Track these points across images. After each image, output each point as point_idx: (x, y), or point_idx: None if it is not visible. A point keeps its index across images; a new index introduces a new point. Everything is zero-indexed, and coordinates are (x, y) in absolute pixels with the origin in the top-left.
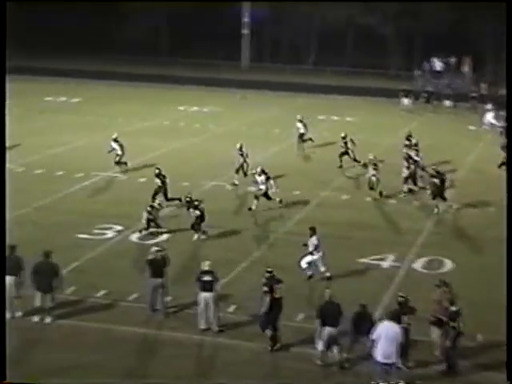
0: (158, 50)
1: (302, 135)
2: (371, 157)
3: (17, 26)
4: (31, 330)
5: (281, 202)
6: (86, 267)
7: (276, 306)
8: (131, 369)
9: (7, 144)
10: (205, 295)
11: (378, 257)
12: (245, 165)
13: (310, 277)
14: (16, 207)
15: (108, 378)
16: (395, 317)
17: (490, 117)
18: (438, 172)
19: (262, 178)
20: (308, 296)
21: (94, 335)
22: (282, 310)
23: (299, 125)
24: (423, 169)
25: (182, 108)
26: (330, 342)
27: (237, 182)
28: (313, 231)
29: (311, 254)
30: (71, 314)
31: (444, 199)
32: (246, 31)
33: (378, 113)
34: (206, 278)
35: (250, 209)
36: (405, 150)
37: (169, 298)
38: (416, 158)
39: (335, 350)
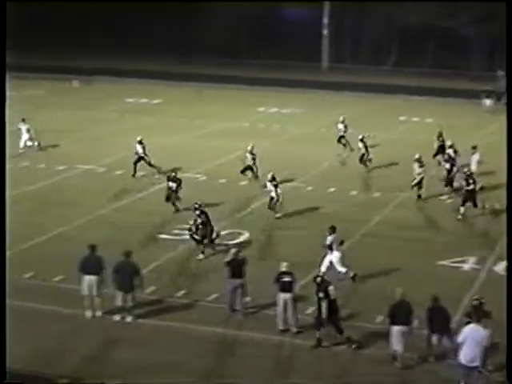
0: (237, 51)
1: (341, 137)
2: (417, 156)
3: (98, 28)
4: (112, 328)
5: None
6: (166, 267)
7: (333, 308)
8: (210, 369)
9: (91, 145)
10: (284, 296)
11: (459, 259)
12: (254, 167)
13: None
14: (96, 207)
15: (187, 377)
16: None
17: None
18: (469, 175)
19: (270, 185)
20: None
21: (174, 335)
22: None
23: (340, 126)
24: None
25: (261, 109)
26: (399, 341)
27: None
28: (332, 230)
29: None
30: (151, 314)
31: (475, 205)
32: (325, 32)
33: (459, 114)
34: (286, 278)
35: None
36: (448, 151)
37: (248, 299)
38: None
39: (401, 348)
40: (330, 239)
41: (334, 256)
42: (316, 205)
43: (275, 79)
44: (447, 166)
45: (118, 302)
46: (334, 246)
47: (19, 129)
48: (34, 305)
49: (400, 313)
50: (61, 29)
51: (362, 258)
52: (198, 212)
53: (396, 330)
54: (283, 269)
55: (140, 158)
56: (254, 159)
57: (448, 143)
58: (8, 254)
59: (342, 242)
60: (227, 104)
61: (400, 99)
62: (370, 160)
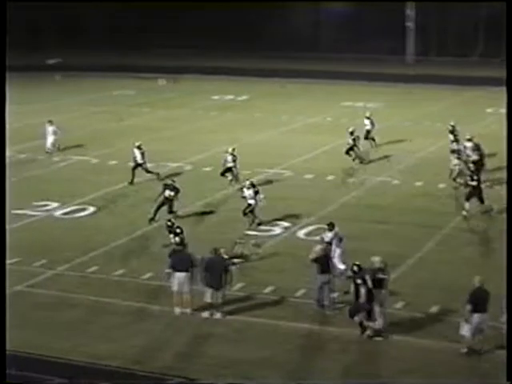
0: (319, 45)
1: (368, 132)
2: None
3: (185, 27)
4: (201, 325)
5: (259, 224)
6: (254, 264)
7: (370, 296)
8: (298, 364)
9: (178, 142)
10: (376, 292)
11: None
12: (234, 169)
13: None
14: (185, 205)
15: (275, 373)
16: None
17: None
18: (473, 171)
19: (251, 191)
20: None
21: (262, 331)
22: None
23: (366, 121)
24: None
25: (345, 104)
26: (478, 329)
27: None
28: (331, 227)
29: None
30: (240, 310)
31: (481, 201)
32: (410, 24)
33: None
34: (381, 275)
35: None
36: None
37: (335, 294)
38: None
39: (480, 336)
40: (329, 236)
41: (336, 253)
42: (404, 198)
43: (360, 73)
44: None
45: (208, 299)
46: (334, 243)
47: (47, 131)
48: (123, 302)
49: (481, 299)
50: (147, 29)
51: (451, 251)
52: (171, 233)
53: (477, 316)
54: (377, 265)
55: (137, 165)
56: (234, 160)
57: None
58: (102, 250)
59: (341, 240)
60: (312, 99)
61: (486, 91)
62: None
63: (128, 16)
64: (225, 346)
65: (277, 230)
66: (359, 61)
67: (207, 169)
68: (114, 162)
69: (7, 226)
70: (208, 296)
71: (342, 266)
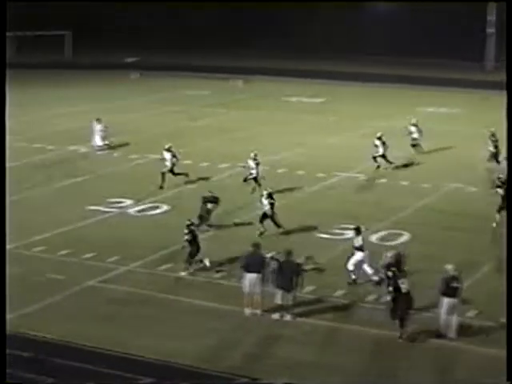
0: (397, 50)
1: (414, 139)
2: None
3: (261, 28)
4: (271, 326)
5: (261, 234)
6: (325, 267)
7: (402, 300)
8: (366, 369)
9: (253, 144)
10: (449, 301)
11: None
12: (257, 174)
13: (354, 281)
14: (259, 207)
15: (344, 377)
16: None
17: None
18: (503, 182)
19: (267, 201)
20: None
21: (332, 334)
22: (413, 304)
23: (413, 129)
24: None
25: (422, 109)
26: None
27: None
28: (358, 231)
29: (353, 254)
30: (310, 313)
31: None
32: (491, 30)
33: None
34: (455, 284)
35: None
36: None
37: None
38: None
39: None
40: (359, 240)
41: (361, 256)
42: (479, 205)
43: (437, 78)
44: None
45: (278, 301)
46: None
47: (92, 129)
48: (194, 301)
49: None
50: (224, 29)
51: None
52: (186, 230)
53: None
54: (451, 273)
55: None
56: (257, 164)
57: None
58: (174, 249)
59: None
60: (388, 103)
61: None
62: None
63: (203, 16)
64: (293, 348)
65: (349, 234)
66: (437, 66)
67: (280, 171)
68: (187, 162)
69: (82, 223)
70: (278, 298)
71: (369, 271)
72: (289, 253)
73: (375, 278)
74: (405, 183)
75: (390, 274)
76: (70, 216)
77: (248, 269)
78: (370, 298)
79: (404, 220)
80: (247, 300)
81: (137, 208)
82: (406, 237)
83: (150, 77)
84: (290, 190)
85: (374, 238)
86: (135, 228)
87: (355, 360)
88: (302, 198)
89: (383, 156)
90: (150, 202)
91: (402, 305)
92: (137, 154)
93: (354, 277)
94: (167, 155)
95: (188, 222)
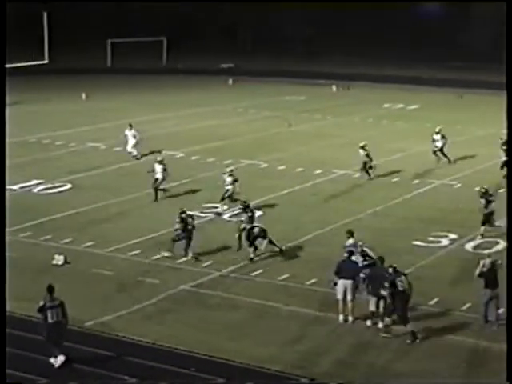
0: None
1: (437, 147)
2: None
3: (356, 35)
4: (364, 333)
5: (238, 249)
6: (420, 274)
7: (399, 298)
8: (459, 379)
9: (347, 150)
10: None
11: None
12: (230, 190)
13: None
14: (353, 212)
15: None
16: None
17: None
18: (486, 191)
19: (245, 215)
20: None
21: (425, 343)
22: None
23: (436, 137)
24: None
25: None
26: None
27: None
28: (350, 234)
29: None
30: None
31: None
32: None
33: None
34: None
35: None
36: None
37: (502, 310)
38: None
39: None
40: (350, 243)
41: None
42: None
43: None
44: None
45: (371, 308)
46: (355, 250)
47: (125, 135)
48: (286, 307)
49: None
50: (319, 36)
51: None
52: (177, 219)
53: None
54: None
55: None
56: (235, 181)
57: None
58: (267, 254)
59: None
60: (488, 110)
61: None
62: (371, 168)
63: (301, 23)
64: (387, 356)
65: (444, 242)
66: None
67: (380, 177)
68: (282, 167)
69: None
70: (372, 305)
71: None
72: (381, 260)
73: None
74: (502, 191)
75: (390, 270)
76: (165, 220)
77: (341, 275)
78: (465, 307)
79: (501, 228)
80: (340, 306)
81: (230, 213)
82: (501, 245)
83: (243, 82)
84: (385, 196)
85: (469, 246)
86: (229, 233)
87: (450, 370)
88: (396, 204)
89: (441, 150)
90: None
91: (397, 303)
92: (231, 158)
93: None
94: (158, 167)
95: (180, 211)
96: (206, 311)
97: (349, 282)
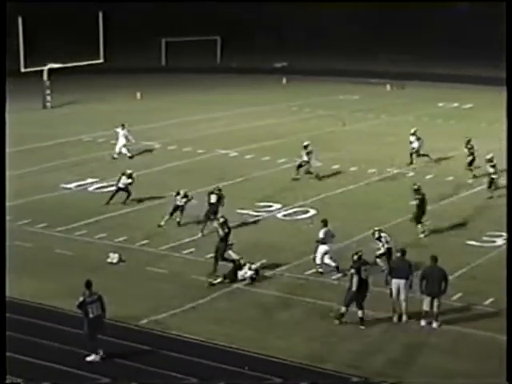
0: None
1: (415, 150)
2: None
3: (408, 33)
4: (418, 333)
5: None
6: (475, 274)
7: (363, 286)
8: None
9: (400, 149)
10: None
11: None
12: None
13: (321, 273)
14: (405, 211)
15: None
16: None
17: None
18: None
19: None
20: None
21: (479, 343)
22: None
23: (412, 138)
24: None
25: None
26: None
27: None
28: (324, 223)
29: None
30: (457, 320)
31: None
32: None
33: None
34: None
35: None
36: None
37: None
38: None
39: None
40: (322, 232)
41: (326, 249)
42: None
43: None
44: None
45: (425, 307)
46: (327, 239)
47: (116, 132)
48: (340, 306)
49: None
50: (374, 35)
51: None
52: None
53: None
54: None
55: (119, 189)
56: (186, 200)
57: None
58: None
59: (333, 236)
60: None
61: None
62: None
63: (353, 21)
64: (439, 355)
65: (499, 241)
66: None
67: (429, 176)
68: (336, 167)
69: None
70: (426, 304)
71: (332, 264)
72: (435, 259)
73: (334, 265)
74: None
75: (355, 257)
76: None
77: (394, 274)
78: None
79: None
80: (394, 306)
81: (285, 212)
82: None
83: (297, 81)
84: (440, 196)
85: None
86: (282, 232)
87: (498, 371)
88: (450, 204)
89: (417, 152)
90: (298, 207)
91: (363, 290)
92: (285, 157)
93: (321, 270)
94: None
95: (221, 220)
96: (259, 310)
97: (402, 282)
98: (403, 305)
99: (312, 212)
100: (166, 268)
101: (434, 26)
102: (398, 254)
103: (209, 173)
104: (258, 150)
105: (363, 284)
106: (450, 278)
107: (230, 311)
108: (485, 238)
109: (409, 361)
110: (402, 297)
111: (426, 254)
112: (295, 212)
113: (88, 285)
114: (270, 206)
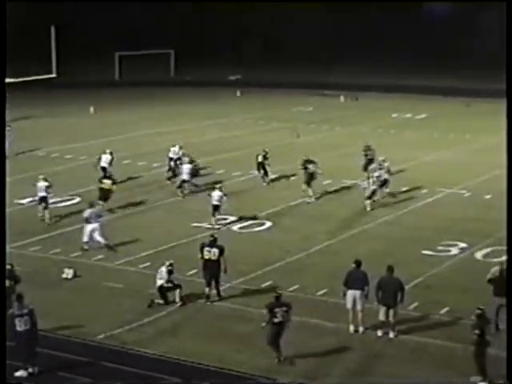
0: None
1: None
2: None
3: (361, 44)
4: (375, 343)
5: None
6: (430, 283)
7: (275, 328)
8: None
9: (354, 159)
10: None
11: None
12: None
13: (86, 250)
14: (362, 222)
15: None
16: None
17: None
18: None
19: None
20: None
21: (437, 352)
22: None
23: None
24: None
25: None
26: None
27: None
28: (91, 204)
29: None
30: (414, 330)
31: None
32: None
33: None
34: None
35: None
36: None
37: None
38: None
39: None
40: (88, 212)
41: (93, 227)
42: None
43: None
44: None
45: (381, 317)
46: (92, 219)
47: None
48: (298, 318)
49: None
50: (327, 46)
51: None
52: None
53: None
54: None
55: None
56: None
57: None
58: (277, 265)
59: (99, 216)
60: (496, 118)
61: None
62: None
63: (307, 34)
64: (396, 365)
65: (454, 251)
66: None
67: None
68: (292, 179)
69: (186, 240)
70: (381, 314)
71: (101, 240)
72: (391, 269)
73: (104, 242)
74: None
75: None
76: (175, 233)
77: (350, 285)
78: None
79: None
80: (350, 317)
81: (240, 225)
82: None
83: (251, 94)
84: (394, 205)
85: (479, 254)
86: (238, 245)
87: (462, 379)
88: (405, 214)
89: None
90: (254, 219)
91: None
92: (240, 170)
93: (86, 247)
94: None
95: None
96: (216, 323)
97: (358, 292)
98: (359, 315)
99: (268, 224)
100: (122, 282)
101: (388, 35)
102: (353, 265)
103: (164, 186)
104: (212, 162)
105: (276, 326)
106: (407, 287)
107: (187, 325)
108: (440, 248)
109: (366, 371)
110: (359, 307)
111: (382, 264)
112: (251, 224)
113: (19, 298)
114: (226, 219)
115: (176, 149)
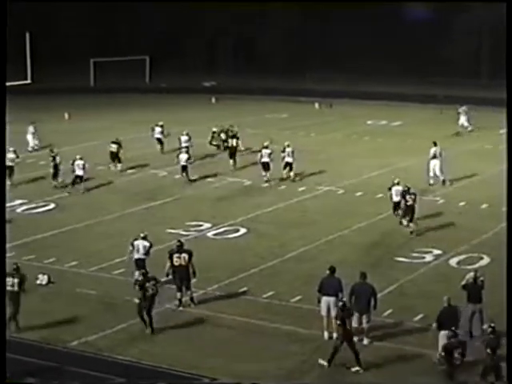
0: (479, 72)
1: (287, 164)
2: None
3: (336, 51)
4: (349, 350)
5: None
6: (404, 290)
7: (147, 300)
8: None
9: (329, 166)
10: None
11: None
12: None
13: None
14: (336, 228)
15: None
16: None
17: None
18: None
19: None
20: None
21: (411, 359)
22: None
23: (283, 153)
24: None
25: (503, 131)
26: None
27: None
28: None
29: None
30: (387, 337)
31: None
32: None
33: None
34: None
35: None
36: None
37: (485, 325)
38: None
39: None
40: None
41: None
42: None
43: None
44: None
45: (354, 324)
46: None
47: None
48: (271, 324)
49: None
50: (302, 53)
51: None
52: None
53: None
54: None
55: None
56: None
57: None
58: (252, 272)
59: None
60: (473, 126)
61: None
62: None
63: (282, 40)
64: (370, 372)
65: (428, 258)
66: None
67: (358, 194)
68: (266, 185)
69: (162, 246)
70: (354, 321)
71: None
72: (364, 275)
73: None
74: (484, 206)
75: (137, 274)
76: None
77: (324, 292)
78: None
79: (484, 243)
80: (325, 323)
81: (215, 231)
82: (485, 260)
83: (226, 100)
84: (367, 213)
85: (453, 261)
86: (213, 251)
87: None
88: (380, 220)
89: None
90: (229, 226)
91: (146, 304)
92: (215, 177)
93: None
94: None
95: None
96: (190, 329)
97: (332, 299)
98: (334, 322)
99: (243, 231)
100: (96, 289)
101: (363, 42)
102: (328, 272)
103: (139, 193)
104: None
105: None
106: (381, 294)
107: (161, 331)
108: (414, 255)
109: (341, 378)
110: (333, 314)
111: (354, 271)
112: (225, 231)
113: None
114: (201, 226)
115: (186, 137)
